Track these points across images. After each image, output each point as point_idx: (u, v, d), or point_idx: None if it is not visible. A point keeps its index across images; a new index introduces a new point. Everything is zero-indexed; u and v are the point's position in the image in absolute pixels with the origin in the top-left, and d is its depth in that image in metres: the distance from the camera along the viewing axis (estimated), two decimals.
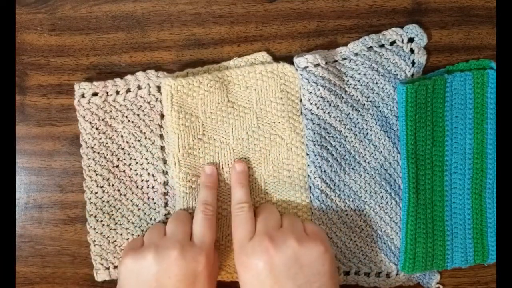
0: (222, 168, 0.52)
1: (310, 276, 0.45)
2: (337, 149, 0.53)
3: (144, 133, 0.53)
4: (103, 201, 0.53)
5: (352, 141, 0.53)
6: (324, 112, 0.52)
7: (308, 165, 0.53)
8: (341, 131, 0.53)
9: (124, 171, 0.53)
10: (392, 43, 0.53)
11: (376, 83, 0.53)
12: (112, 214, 0.53)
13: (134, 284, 0.46)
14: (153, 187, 0.53)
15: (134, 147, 0.53)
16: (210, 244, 0.48)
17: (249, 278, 0.46)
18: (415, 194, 0.52)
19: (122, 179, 0.53)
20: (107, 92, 0.52)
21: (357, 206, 0.53)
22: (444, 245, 0.53)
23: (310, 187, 0.53)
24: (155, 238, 0.48)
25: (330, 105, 0.52)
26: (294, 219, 0.49)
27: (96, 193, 0.52)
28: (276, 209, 0.51)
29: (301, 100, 0.53)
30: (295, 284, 0.44)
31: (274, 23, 0.54)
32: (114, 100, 0.52)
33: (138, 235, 0.53)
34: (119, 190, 0.53)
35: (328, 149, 0.53)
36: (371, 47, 0.53)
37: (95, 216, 0.52)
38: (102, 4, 0.53)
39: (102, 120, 0.52)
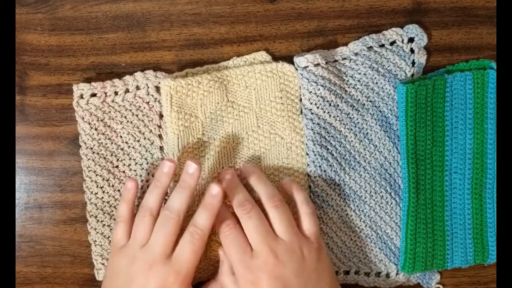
0: (222, 167, 0.52)
1: (318, 280, 0.47)
2: (337, 148, 0.53)
3: (143, 134, 0.53)
4: (103, 201, 0.53)
5: (352, 141, 0.53)
6: (324, 112, 0.52)
7: (308, 165, 0.53)
8: (341, 130, 0.53)
9: (123, 172, 0.53)
10: (392, 43, 0.53)
11: (376, 83, 0.53)
12: (113, 215, 0.53)
13: (118, 278, 0.47)
14: None
15: (133, 147, 0.53)
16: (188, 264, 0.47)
17: None
18: (415, 194, 0.52)
19: (122, 180, 0.53)
20: (105, 93, 0.52)
21: (357, 206, 0.53)
22: (444, 245, 0.53)
23: (310, 186, 0.53)
24: (139, 241, 0.47)
25: (330, 104, 0.52)
26: (285, 221, 0.47)
27: (96, 193, 0.52)
28: (259, 211, 0.48)
29: (301, 100, 0.53)
30: None
31: (274, 23, 0.54)
32: (112, 101, 0.52)
33: None
34: (119, 191, 0.53)
35: (328, 149, 0.53)
36: (371, 47, 0.53)
37: (96, 217, 0.52)
38: (102, 4, 0.53)
39: (101, 120, 0.52)
